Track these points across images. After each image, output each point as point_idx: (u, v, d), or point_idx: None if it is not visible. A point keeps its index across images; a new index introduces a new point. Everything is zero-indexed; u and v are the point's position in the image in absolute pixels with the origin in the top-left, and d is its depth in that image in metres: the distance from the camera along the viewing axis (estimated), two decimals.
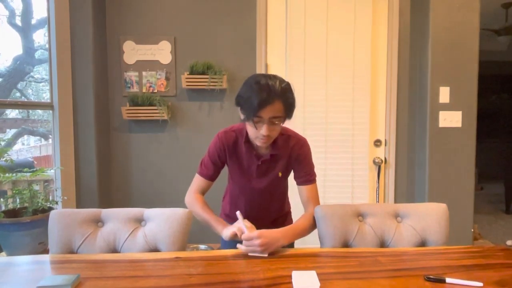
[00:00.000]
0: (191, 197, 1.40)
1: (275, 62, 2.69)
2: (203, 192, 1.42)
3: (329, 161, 2.68)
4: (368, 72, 2.64)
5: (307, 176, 1.39)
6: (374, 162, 2.72)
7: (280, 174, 1.39)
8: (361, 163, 2.69)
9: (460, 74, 2.46)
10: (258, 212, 1.45)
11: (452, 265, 1.02)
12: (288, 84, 1.24)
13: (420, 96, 2.56)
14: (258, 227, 1.21)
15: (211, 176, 1.40)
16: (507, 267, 1.00)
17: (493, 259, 1.06)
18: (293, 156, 1.38)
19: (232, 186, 1.50)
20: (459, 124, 2.47)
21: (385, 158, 2.73)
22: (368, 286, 0.88)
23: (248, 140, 1.33)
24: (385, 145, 2.73)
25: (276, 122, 1.20)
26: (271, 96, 1.15)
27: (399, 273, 0.96)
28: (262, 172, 1.38)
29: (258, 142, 1.26)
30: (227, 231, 1.21)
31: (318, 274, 0.94)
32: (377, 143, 2.73)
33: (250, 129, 1.24)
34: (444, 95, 2.46)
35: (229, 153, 1.37)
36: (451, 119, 2.47)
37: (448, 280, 0.89)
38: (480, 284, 0.87)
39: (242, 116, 1.23)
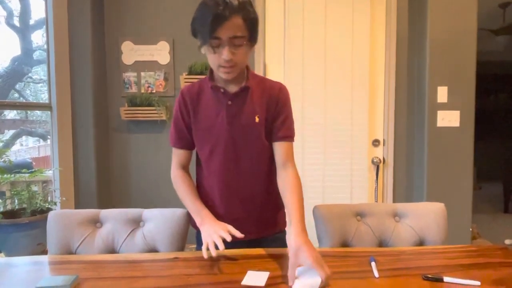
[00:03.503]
0: (172, 175, 1.27)
1: (273, 62, 2.70)
2: (184, 165, 1.26)
3: (328, 161, 2.68)
4: (366, 72, 2.65)
5: (287, 131, 1.19)
6: (372, 162, 2.72)
7: (257, 119, 1.16)
8: (359, 163, 2.69)
9: (458, 74, 2.46)
10: (238, 195, 1.20)
11: (450, 264, 1.02)
12: None
13: (418, 96, 2.57)
14: (243, 224, 1.09)
15: (182, 144, 1.23)
16: (505, 266, 1.00)
17: (491, 258, 1.07)
18: (272, 100, 1.18)
19: (201, 170, 1.27)
20: (457, 124, 2.48)
21: (383, 158, 2.74)
22: (366, 286, 0.88)
23: (212, 78, 1.16)
24: (384, 145, 2.74)
25: (238, 43, 1.04)
26: (228, 10, 0.99)
27: (397, 272, 0.96)
28: (234, 114, 1.15)
29: (221, 73, 1.09)
30: (206, 236, 1.07)
31: None
32: (376, 143, 2.74)
33: (211, 58, 1.08)
34: (442, 95, 2.46)
35: (193, 105, 1.17)
36: (449, 118, 2.47)
37: (446, 279, 0.89)
38: (478, 283, 0.88)
39: (200, 45, 1.08)
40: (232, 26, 1.01)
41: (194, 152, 1.29)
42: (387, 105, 2.70)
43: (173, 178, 1.27)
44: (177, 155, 1.27)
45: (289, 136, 1.20)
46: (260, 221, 1.24)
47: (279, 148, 1.19)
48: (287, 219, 1.14)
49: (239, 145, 1.17)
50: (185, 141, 1.23)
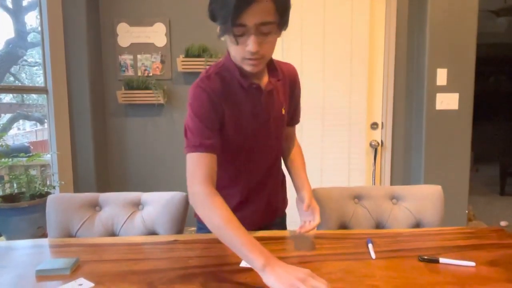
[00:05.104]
0: (199, 195, 0.90)
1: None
2: (213, 177, 0.95)
3: (326, 144, 2.68)
4: (365, 54, 2.62)
5: (299, 117, 1.22)
6: (370, 145, 2.72)
7: (283, 111, 1.09)
8: (357, 146, 2.70)
9: (458, 56, 2.44)
10: (258, 186, 1.14)
11: (446, 245, 1.03)
12: None
13: (417, 79, 2.55)
14: (254, 209, 1.14)
15: (214, 146, 0.96)
16: (500, 247, 1.02)
17: (486, 240, 1.08)
18: (292, 87, 1.12)
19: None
20: (456, 107, 2.47)
21: (381, 141, 2.74)
22: (363, 267, 0.89)
23: (242, 73, 0.99)
24: (382, 128, 2.74)
25: (266, 31, 0.87)
26: None
27: (394, 253, 0.97)
28: (265, 109, 1.04)
29: (246, 66, 0.93)
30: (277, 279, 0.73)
31: (313, 256, 0.96)
32: (374, 126, 2.74)
33: (233, 49, 0.91)
34: (442, 77, 2.45)
35: (225, 101, 0.99)
36: (448, 101, 2.47)
37: (441, 260, 0.91)
38: (473, 264, 0.89)
39: (219, 33, 0.90)
40: (260, 10, 0.83)
41: None
42: (386, 88, 2.69)
43: (202, 201, 0.90)
44: (204, 164, 0.94)
45: (298, 121, 1.25)
46: (270, 208, 1.21)
47: (290, 130, 1.23)
48: (295, 185, 1.17)
49: (267, 139, 1.09)
50: (216, 143, 0.97)
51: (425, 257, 0.92)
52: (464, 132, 2.50)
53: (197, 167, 0.93)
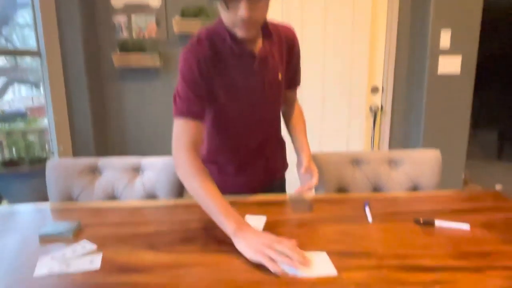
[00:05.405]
0: (182, 161, 0.93)
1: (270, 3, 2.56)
2: (197, 144, 0.96)
3: (326, 109, 2.66)
4: (368, 15, 2.53)
5: (299, 79, 1.20)
6: (370, 109, 2.70)
7: (280, 76, 1.07)
8: (357, 111, 2.68)
9: (463, 16, 2.36)
10: (254, 150, 1.15)
11: (441, 208, 1.05)
12: None
13: (421, 40, 2.48)
14: (251, 175, 1.17)
15: (199, 113, 0.96)
16: (494, 210, 1.04)
17: (481, 203, 1.10)
18: (290, 50, 1.09)
19: (213, 133, 1.10)
20: (458, 71, 2.43)
21: (381, 106, 2.72)
22: (360, 229, 0.91)
23: (232, 37, 0.96)
24: (382, 92, 2.70)
25: None
26: None
27: (391, 217, 0.99)
28: (259, 75, 1.03)
29: (238, 32, 0.91)
30: (259, 249, 0.75)
31: (311, 219, 0.98)
32: (374, 90, 2.70)
33: (225, 15, 0.90)
34: (445, 39, 2.38)
35: (214, 66, 0.98)
36: (450, 65, 2.42)
37: (437, 223, 0.93)
38: (467, 226, 0.91)
39: None
40: None
41: None
42: (387, 51, 2.62)
43: (184, 167, 0.93)
44: (189, 131, 0.95)
45: (299, 82, 1.21)
46: (268, 172, 1.22)
47: (290, 93, 1.21)
48: (295, 149, 1.17)
49: (262, 105, 1.08)
50: (202, 110, 0.98)
51: (421, 220, 0.94)
52: (465, 96, 2.47)
53: (182, 133, 0.95)
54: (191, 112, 0.95)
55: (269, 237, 0.78)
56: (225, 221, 0.82)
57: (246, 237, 0.79)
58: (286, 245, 0.75)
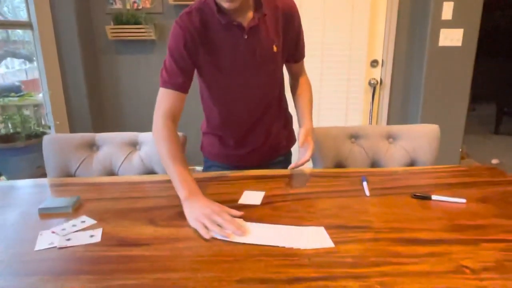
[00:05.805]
0: (157, 126, 0.98)
1: None
2: (176, 114, 1.01)
3: (325, 82, 2.63)
4: None
5: (303, 51, 1.16)
6: (369, 83, 2.68)
7: (275, 48, 1.05)
8: (356, 85, 2.65)
9: None
10: (253, 125, 1.16)
11: (438, 183, 1.06)
12: None
13: (423, 12, 2.43)
14: (252, 151, 1.17)
15: (181, 85, 1.00)
16: (490, 184, 1.04)
17: (477, 178, 1.11)
18: (288, 23, 1.06)
19: (210, 105, 1.13)
20: (459, 43, 2.39)
21: (380, 79, 2.69)
22: (357, 204, 0.92)
23: (220, 10, 0.96)
24: (382, 66, 2.67)
25: None
26: None
27: (388, 191, 1.00)
28: (251, 48, 1.01)
29: (223, 2, 0.91)
30: (202, 215, 0.81)
31: (309, 193, 0.99)
32: (374, 63, 2.66)
33: None
34: (447, 11, 2.33)
35: (201, 41, 0.99)
36: (452, 37, 2.37)
37: (433, 197, 0.93)
38: (464, 200, 0.92)
39: None
40: None
41: None
42: (388, 23, 2.56)
43: (158, 131, 0.98)
44: (169, 100, 1.00)
45: (303, 55, 1.19)
46: (270, 148, 1.22)
47: (295, 67, 1.19)
48: (298, 123, 1.17)
49: (256, 77, 1.07)
50: (183, 82, 1.00)
51: (418, 194, 0.95)
52: (465, 70, 2.45)
53: (162, 101, 1.00)
54: (172, 83, 0.99)
55: (213, 208, 0.83)
56: (180, 187, 0.89)
57: (192, 205, 0.85)
58: (223, 217, 0.80)
